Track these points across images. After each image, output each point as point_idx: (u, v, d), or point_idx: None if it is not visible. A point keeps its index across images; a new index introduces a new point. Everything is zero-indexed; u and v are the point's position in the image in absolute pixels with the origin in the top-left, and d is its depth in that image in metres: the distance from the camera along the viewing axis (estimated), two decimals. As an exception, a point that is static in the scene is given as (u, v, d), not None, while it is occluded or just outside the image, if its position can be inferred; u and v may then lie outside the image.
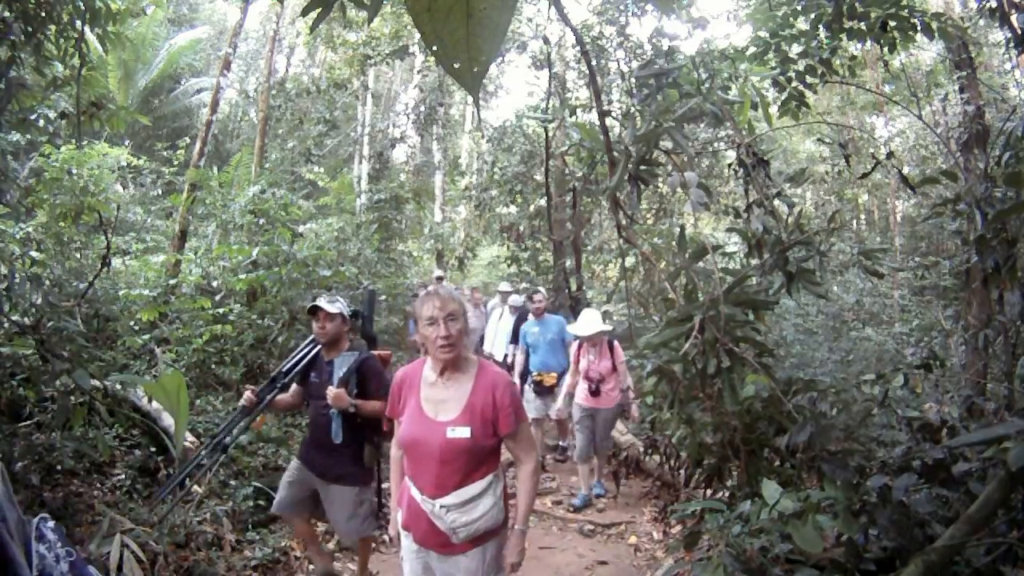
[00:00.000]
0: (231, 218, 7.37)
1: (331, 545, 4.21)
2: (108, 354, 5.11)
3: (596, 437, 5.28)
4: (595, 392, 5.14)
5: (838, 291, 9.82)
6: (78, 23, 4.18)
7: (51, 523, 1.47)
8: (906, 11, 3.66)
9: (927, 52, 10.62)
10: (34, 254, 4.72)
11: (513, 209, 11.99)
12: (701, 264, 3.01)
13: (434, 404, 2.25)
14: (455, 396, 2.23)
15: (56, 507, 3.50)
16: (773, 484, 2.38)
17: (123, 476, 4.06)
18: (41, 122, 4.62)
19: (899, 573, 2.09)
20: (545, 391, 5.86)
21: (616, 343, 5.29)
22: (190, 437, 4.43)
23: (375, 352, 3.43)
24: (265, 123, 9.84)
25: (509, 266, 11.76)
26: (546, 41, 9.34)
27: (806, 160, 13.91)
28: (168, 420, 4.35)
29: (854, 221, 15.93)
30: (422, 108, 13.11)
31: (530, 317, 6.30)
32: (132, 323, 5.77)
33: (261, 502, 4.25)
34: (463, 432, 2.16)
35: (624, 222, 3.69)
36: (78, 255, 6.10)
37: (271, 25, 11.05)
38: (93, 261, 6.03)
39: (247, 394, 3.25)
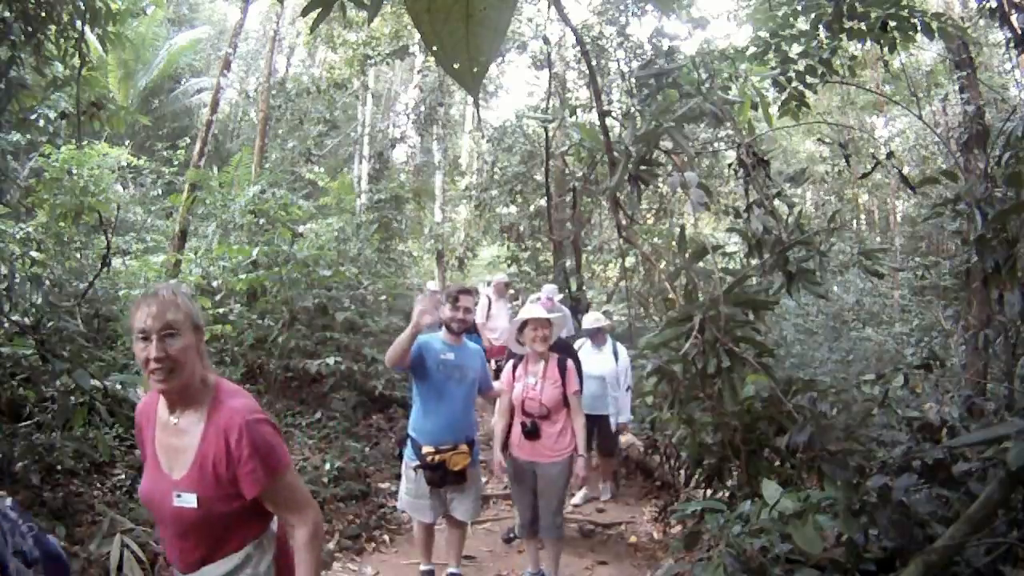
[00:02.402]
0: (231, 218, 7.36)
1: (331, 545, 4.22)
2: (108, 354, 5.10)
3: (539, 504, 3.61)
4: (531, 433, 3.53)
5: (838, 291, 9.83)
6: (78, 23, 4.19)
7: (9, 500, 1.43)
8: (906, 11, 3.66)
9: (927, 52, 10.62)
10: (34, 254, 4.72)
11: (513, 209, 12.00)
12: (701, 264, 3.01)
13: (167, 453, 1.63)
14: (187, 444, 1.59)
15: (56, 507, 3.50)
16: (773, 484, 2.38)
17: (123, 476, 4.07)
18: (41, 122, 4.63)
19: (899, 573, 2.09)
20: (448, 479, 3.41)
21: (570, 362, 3.64)
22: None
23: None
24: (265, 123, 9.84)
25: (509, 266, 11.77)
26: (546, 41, 9.35)
27: (806, 160, 13.91)
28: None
29: (854, 221, 15.93)
30: (422, 108, 13.12)
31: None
32: (132, 323, 5.76)
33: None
34: (189, 500, 1.56)
35: (624, 222, 3.69)
36: (78, 255, 6.10)
37: (271, 25, 11.05)
38: (93, 261, 6.03)
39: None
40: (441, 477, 3.39)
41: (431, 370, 3.42)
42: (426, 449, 3.37)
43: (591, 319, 5.28)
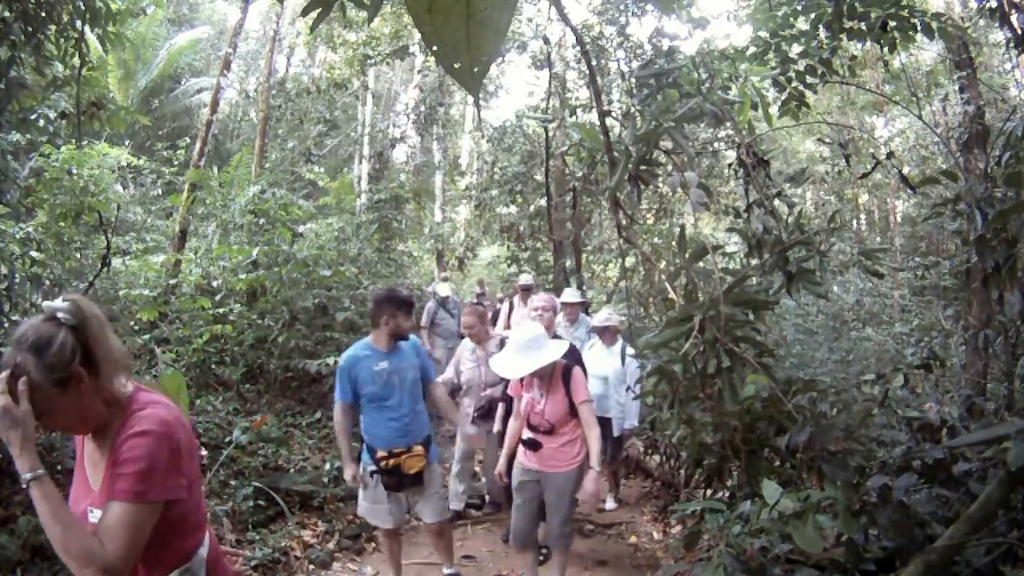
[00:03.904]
0: (231, 218, 7.37)
1: (331, 545, 4.22)
2: (108, 354, 5.10)
3: (545, 514, 3.50)
4: (534, 446, 3.42)
5: (838, 291, 9.83)
6: (78, 23, 4.19)
7: None
8: (906, 11, 3.66)
9: (927, 52, 10.63)
10: (34, 254, 4.72)
11: (513, 209, 12.01)
12: (701, 264, 3.01)
13: (92, 465, 1.50)
14: (100, 460, 1.46)
15: (56, 507, 3.49)
16: (773, 484, 2.38)
17: (123, 476, 4.06)
18: (41, 122, 4.63)
19: (899, 573, 2.09)
20: (405, 482, 3.39)
21: (575, 371, 3.40)
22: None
23: None
24: (265, 123, 9.84)
25: (509, 266, 11.77)
26: (546, 41, 9.36)
27: (806, 160, 13.92)
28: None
29: (854, 221, 15.94)
30: (422, 108, 13.14)
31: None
32: (132, 323, 5.77)
33: (261, 502, 4.26)
34: (94, 517, 1.40)
35: (624, 222, 3.69)
36: (78, 255, 6.10)
37: (271, 25, 11.05)
38: (93, 261, 6.03)
39: None
40: (398, 481, 3.33)
41: (368, 384, 3.33)
42: (380, 453, 3.31)
43: (602, 316, 5.15)
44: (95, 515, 1.39)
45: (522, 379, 3.45)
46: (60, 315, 1.34)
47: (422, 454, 3.35)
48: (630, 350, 4.98)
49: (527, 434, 3.45)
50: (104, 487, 1.38)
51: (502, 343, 4.41)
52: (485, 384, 4.59)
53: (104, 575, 1.27)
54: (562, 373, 3.38)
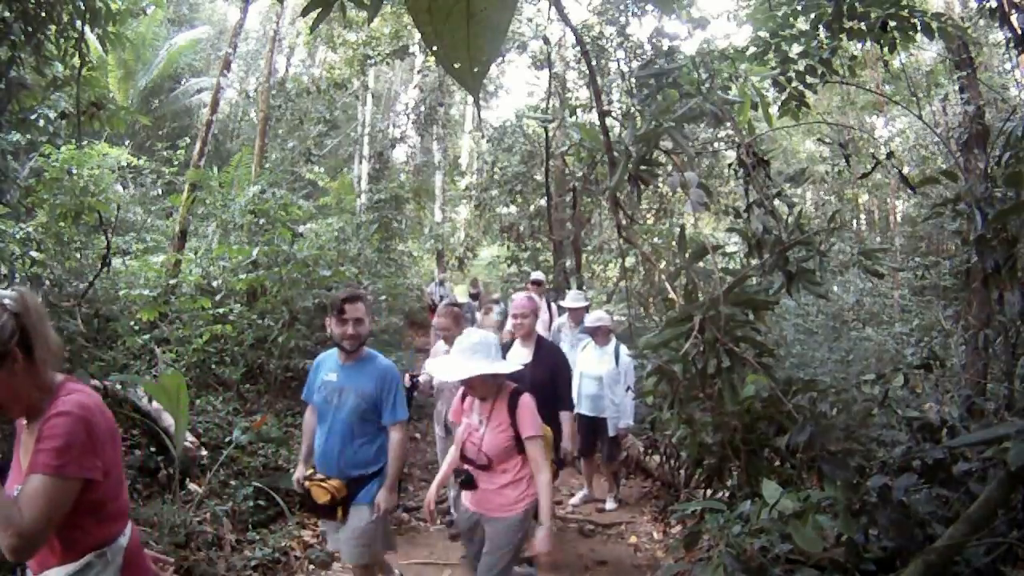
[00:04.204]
0: (231, 218, 7.37)
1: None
2: (108, 354, 5.10)
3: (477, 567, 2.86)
4: (467, 483, 2.83)
5: (838, 291, 9.83)
6: (78, 23, 4.19)
7: None
8: (906, 11, 3.66)
9: (927, 52, 10.63)
10: (34, 254, 4.72)
11: (513, 209, 12.02)
12: (701, 264, 3.01)
13: (24, 451, 1.58)
14: (30, 445, 1.53)
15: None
16: (773, 484, 2.38)
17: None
18: (41, 122, 4.63)
19: (899, 573, 2.09)
20: (314, 508, 3.04)
21: (524, 399, 2.79)
22: (190, 437, 4.43)
23: None
24: (265, 123, 9.84)
25: (509, 266, 11.78)
26: (546, 41, 9.36)
27: (806, 160, 13.92)
28: (168, 420, 4.35)
29: (854, 221, 15.94)
30: (422, 108, 13.14)
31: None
32: (132, 323, 5.77)
33: (261, 502, 4.26)
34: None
35: (624, 222, 3.69)
36: (78, 255, 6.09)
37: (271, 25, 11.05)
38: (93, 261, 6.03)
39: None
40: (311, 506, 3.01)
41: (315, 392, 3.03)
42: (308, 471, 3.03)
43: (593, 317, 5.15)
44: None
45: (464, 399, 2.98)
46: (6, 302, 1.49)
47: (333, 489, 2.90)
48: (624, 349, 5.01)
49: (461, 468, 2.88)
50: (28, 464, 1.48)
51: None
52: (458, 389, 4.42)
53: (19, 539, 1.38)
54: (508, 398, 2.79)
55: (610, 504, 5.24)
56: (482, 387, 2.76)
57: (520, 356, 3.84)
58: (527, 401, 2.79)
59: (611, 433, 4.91)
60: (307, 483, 2.97)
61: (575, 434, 3.60)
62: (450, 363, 2.79)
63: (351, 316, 2.92)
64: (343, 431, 2.92)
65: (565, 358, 4.20)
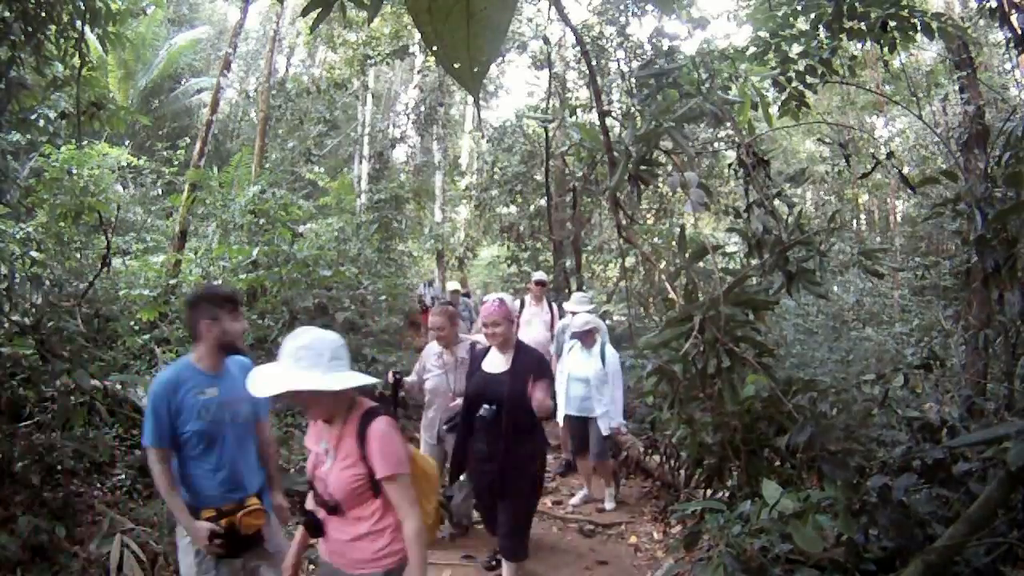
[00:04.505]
0: (231, 218, 7.37)
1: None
2: (108, 354, 5.11)
3: None
4: (314, 528, 2.22)
5: (838, 291, 9.83)
6: (78, 23, 4.19)
7: None
8: (906, 11, 3.66)
9: (927, 52, 10.63)
10: (34, 254, 4.72)
11: (513, 209, 12.01)
12: (701, 264, 3.01)
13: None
14: None
15: (56, 507, 3.50)
16: (773, 484, 2.38)
17: (123, 476, 4.07)
18: (41, 122, 4.64)
19: (899, 573, 2.09)
20: (242, 545, 2.52)
21: (378, 424, 2.08)
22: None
23: None
24: (265, 123, 9.85)
25: (509, 266, 11.77)
26: (546, 41, 9.36)
27: (806, 160, 13.92)
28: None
29: (854, 221, 15.93)
30: (422, 108, 13.14)
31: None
32: (132, 323, 5.77)
33: (261, 502, 4.25)
34: None
35: (624, 222, 3.69)
36: (78, 255, 6.10)
37: (271, 25, 11.06)
38: (93, 261, 6.03)
39: None
40: (234, 545, 2.44)
41: (191, 419, 2.41)
42: (206, 513, 2.42)
43: (581, 321, 5.08)
44: None
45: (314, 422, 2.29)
46: None
47: (260, 508, 2.51)
48: (610, 349, 5.00)
49: (308, 509, 2.30)
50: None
51: (473, 348, 3.90)
52: (454, 393, 4.10)
53: None
54: (358, 423, 2.07)
55: (608, 504, 5.22)
56: (316, 406, 2.09)
57: (497, 364, 3.44)
58: (380, 428, 2.05)
59: (604, 432, 4.90)
60: (225, 522, 2.41)
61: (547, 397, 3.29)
62: (266, 373, 2.10)
63: (240, 313, 2.57)
64: (239, 445, 2.53)
65: (547, 362, 3.86)
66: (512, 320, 3.52)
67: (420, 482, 2.20)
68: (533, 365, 3.30)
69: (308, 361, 2.02)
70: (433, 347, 4.33)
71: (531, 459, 3.41)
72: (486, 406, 3.30)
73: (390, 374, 3.75)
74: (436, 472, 2.44)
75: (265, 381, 2.05)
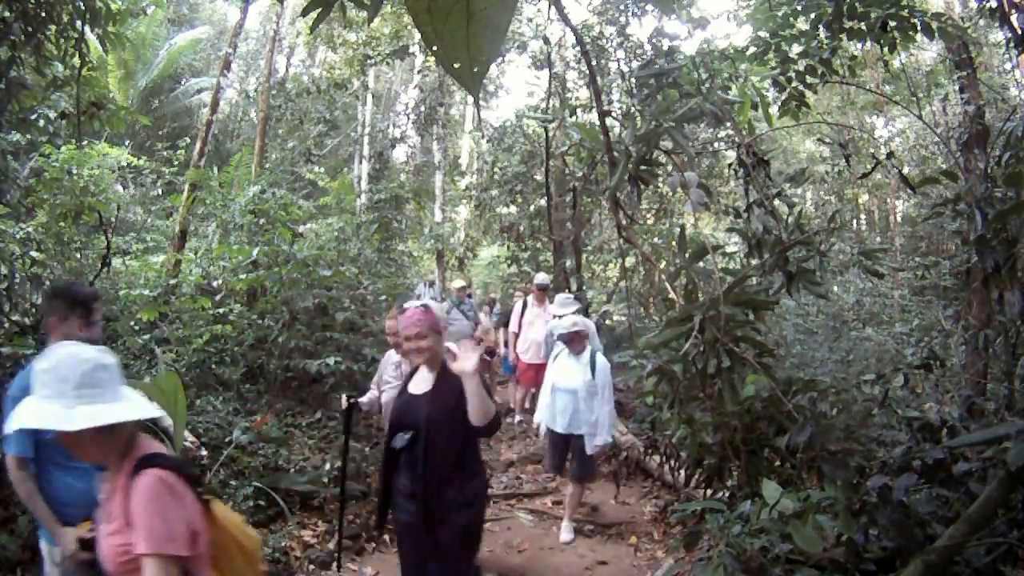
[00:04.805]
0: (231, 218, 7.37)
1: (331, 545, 4.21)
2: (108, 354, 5.10)
3: None
4: None
5: (838, 291, 9.82)
6: (78, 23, 4.20)
7: None
8: (906, 11, 3.67)
9: (927, 52, 10.63)
10: (34, 254, 4.72)
11: (513, 209, 12.01)
12: (701, 264, 3.01)
13: None
14: None
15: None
16: (773, 484, 2.38)
17: (123, 476, 4.06)
18: (41, 122, 4.64)
19: (899, 573, 2.09)
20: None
21: (144, 480, 1.54)
22: (190, 437, 4.43)
23: None
24: (265, 123, 9.85)
25: (509, 266, 11.78)
26: (546, 41, 9.36)
27: (806, 160, 13.92)
28: (169, 421, 4.35)
29: (854, 221, 15.93)
30: (422, 108, 13.14)
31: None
32: (132, 323, 5.77)
33: (261, 502, 4.26)
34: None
35: (624, 222, 3.69)
36: (78, 255, 6.10)
37: (271, 25, 11.05)
38: (93, 261, 6.03)
39: None
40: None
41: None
42: (74, 533, 2.12)
43: (567, 323, 4.52)
44: None
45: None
46: None
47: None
48: (600, 357, 4.48)
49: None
50: None
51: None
52: None
53: None
54: (128, 475, 1.58)
55: (566, 535, 4.56)
56: (76, 448, 1.60)
57: (420, 384, 2.80)
58: (146, 485, 1.54)
59: (588, 452, 4.39)
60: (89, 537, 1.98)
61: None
62: (36, 402, 1.56)
63: (97, 316, 2.40)
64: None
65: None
66: (440, 332, 2.78)
67: (230, 559, 1.67)
68: (460, 387, 2.53)
69: (50, 390, 1.54)
70: (391, 356, 3.83)
71: (465, 506, 2.65)
72: (400, 434, 2.67)
73: (344, 398, 3.44)
74: (258, 546, 1.82)
75: (28, 413, 1.55)
